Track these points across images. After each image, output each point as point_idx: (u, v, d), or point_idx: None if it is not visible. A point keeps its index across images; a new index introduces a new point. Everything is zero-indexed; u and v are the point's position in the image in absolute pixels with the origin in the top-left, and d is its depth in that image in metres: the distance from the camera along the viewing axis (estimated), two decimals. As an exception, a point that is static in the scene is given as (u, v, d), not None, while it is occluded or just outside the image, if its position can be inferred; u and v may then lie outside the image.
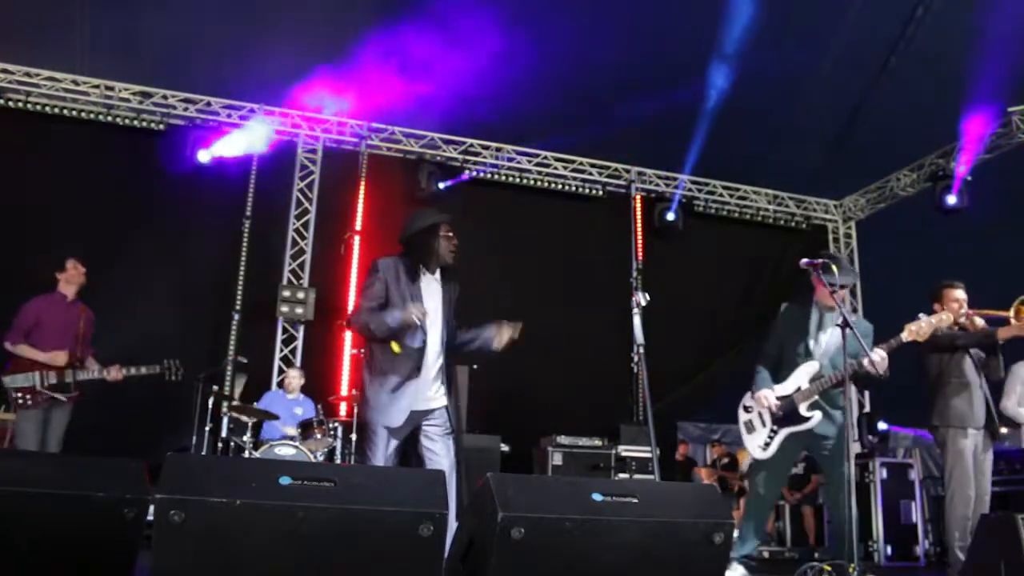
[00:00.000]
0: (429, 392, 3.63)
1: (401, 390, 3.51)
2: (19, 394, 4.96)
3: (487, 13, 6.78)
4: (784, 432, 4.22)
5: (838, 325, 3.87)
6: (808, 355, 4.26)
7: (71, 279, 5.35)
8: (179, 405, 6.74)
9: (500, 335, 3.76)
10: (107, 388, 5.47)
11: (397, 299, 3.58)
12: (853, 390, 9.34)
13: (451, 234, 3.74)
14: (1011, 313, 4.57)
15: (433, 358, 3.65)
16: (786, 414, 4.23)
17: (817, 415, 4.16)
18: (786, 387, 4.27)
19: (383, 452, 3.51)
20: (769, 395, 4.25)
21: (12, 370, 5.07)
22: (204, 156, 7.95)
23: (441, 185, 8.62)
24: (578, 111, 8.15)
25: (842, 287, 4.05)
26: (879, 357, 3.99)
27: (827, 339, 4.26)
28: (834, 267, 3.95)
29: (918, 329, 4.12)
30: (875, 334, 4.44)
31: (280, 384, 7.91)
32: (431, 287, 3.73)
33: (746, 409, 4.46)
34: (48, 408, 5.08)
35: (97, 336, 5.58)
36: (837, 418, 4.22)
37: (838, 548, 3.93)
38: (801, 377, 4.23)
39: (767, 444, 4.26)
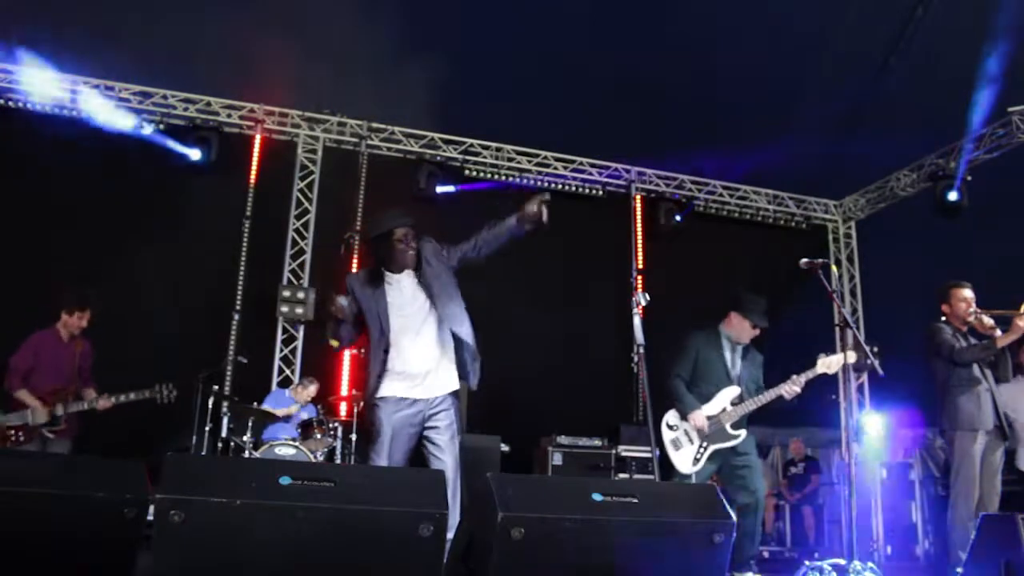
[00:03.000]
0: (421, 380, 3.60)
1: (382, 380, 3.56)
2: (12, 432, 5.13)
3: (487, 13, 6.80)
4: (712, 448, 4.54)
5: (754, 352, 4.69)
6: (729, 379, 4.61)
7: (70, 326, 5.47)
8: (179, 405, 6.73)
9: (525, 213, 3.77)
10: (107, 387, 5.50)
11: (367, 313, 3.66)
12: (853, 391, 9.38)
13: (404, 238, 3.68)
14: (1021, 312, 4.58)
15: (409, 345, 3.60)
16: (713, 432, 4.54)
17: (743, 433, 4.52)
18: (712, 408, 4.59)
19: (385, 447, 3.50)
20: (702, 415, 4.57)
21: (12, 408, 5.27)
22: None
23: (439, 190, 8.61)
24: (578, 111, 8.15)
25: (761, 327, 4.62)
26: (796, 386, 4.45)
27: (740, 366, 4.66)
28: (753, 307, 4.58)
29: (830, 362, 4.47)
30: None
31: (281, 385, 7.92)
32: (398, 286, 3.71)
33: (671, 427, 4.70)
34: (42, 443, 5.21)
35: (98, 343, 5.69)
36: (750, 435, 4.63)
37: (737, 555, 4.14)
38: (724, 399, 4.57)
39: (697, 459, 4.55)
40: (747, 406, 4.51)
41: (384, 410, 3.57)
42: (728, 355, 4.65)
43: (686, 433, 4.61)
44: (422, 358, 3.64)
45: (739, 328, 4.64)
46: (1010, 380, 4.91)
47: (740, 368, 4.64)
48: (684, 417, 4.63)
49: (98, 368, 5.71)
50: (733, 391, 4.56)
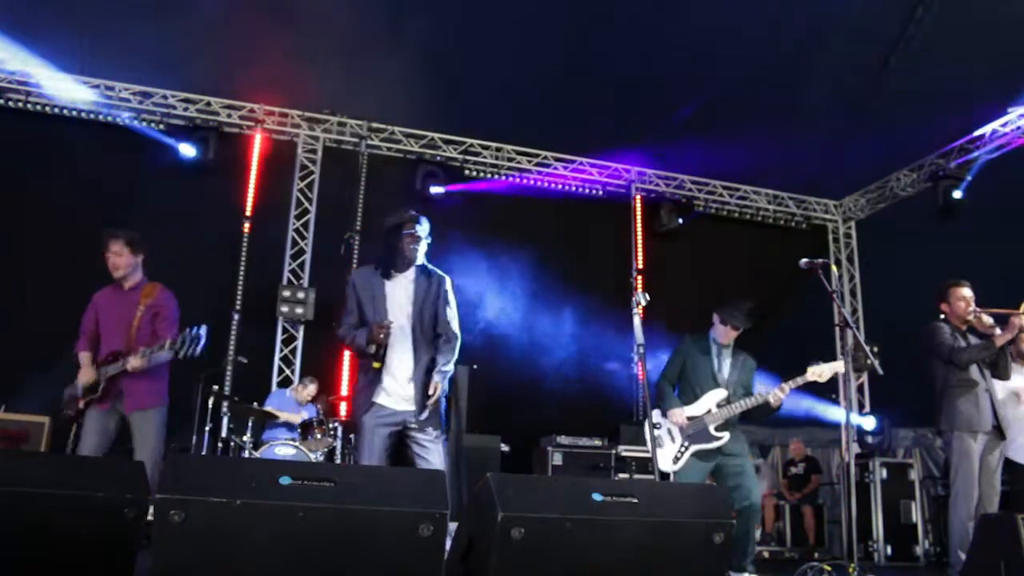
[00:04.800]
0: (404, 392, 3.67)
1: (374, 389, 3.66)
2: (74, 402, 4.48)
3: (486, 13, 6.80)
4: (694, 448, 4.55)
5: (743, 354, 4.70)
6: (715, 382, 4.62)
7: (114, 270, 4.56)
8: (179, 405, 6.74)
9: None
10: None
11: (366, 305, 3.76)
12: (853, 391, 9.39)
13: (413, 232, 3.79)
14: (1020, 311, 4.58)
15: (400, 357, 3.69)
16: (696, 432, 4.57)
17: (726, 435, 4.51)
18: (697, 408, 4.62)
19: (367, 448, 3.61)
20: (681, 413, 4.60)
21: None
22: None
23: (432, 191, 8.61)
24: (578, 111, 8.15)
25: (736, 327, 4.64)
26: (782, 392, 4.43)
27: (728, 369, 4.68)
28: (732, 310, 4.61)
29: (820, 371, 4.46)
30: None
31: (281, 385, 7.92)
32: (399, 287, 3.80)
33: (655, 426, 4.72)
34: (88, 415, 4.44)
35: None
36: (742, 439, 4.63)
37: (734, 558, 4.26)
38: (711, 401, 4.59)
39: (677, 458, 4.58)
40: (732, 409, 4.52)
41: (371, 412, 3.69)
42: (715, 358, 4.68)
43: (668, 432, 4.64)
44: (402, 354, 3.73)
45: (720, 330, 4.68)
46: (1009, 379, 4.91)
47: (728, 371, 4.66)
48: (665, 415, 4.69)
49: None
50: (719, 393, 4.58)
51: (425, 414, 3.66)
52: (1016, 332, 4.65)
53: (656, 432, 4.69)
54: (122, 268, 4.55)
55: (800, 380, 4.45)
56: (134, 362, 4.30)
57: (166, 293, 4.65)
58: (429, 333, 3.77)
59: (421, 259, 3.83)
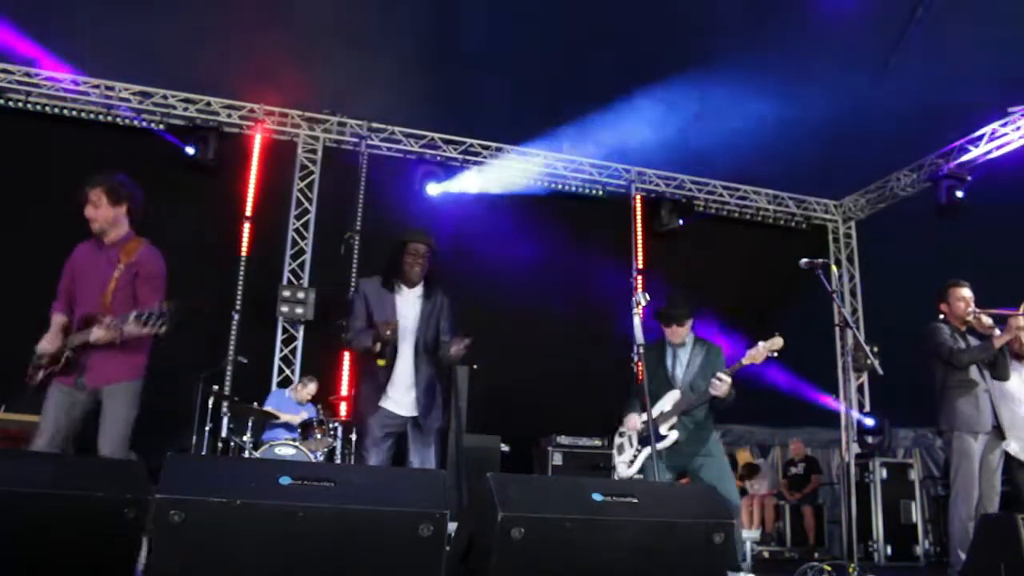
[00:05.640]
0: (405, 399, 3.90)
1: (377, 395, 3.86)
2: (32, 369, 3.88)
3: (486, 13, 6.80)
4: (647, 450, 4.53)
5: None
6: (669, 384, 4.59)
7: (93, 223, 3.96)
8: (179, 405, 6.74)
9: (449, 349, 3.96)
10: None
11: (376, 315, 3.93)
12: (853, 391, 9.39)
13: (415, 254, 3.97)
14: (1020, 311, 4.58)
15: (405, 368, 3.92)
16: (649, 434, 4.54)
17: (673, 434, 4.49)
18: (652, 413, 4.59)
19: (375, 450, 3.81)
20: (635, 418, 4.64)
21: None
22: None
23: (432, 191, 8.62)
24: (579, 111, 8.15)
25: (675, 321, 4.55)
26: (719, 381, 4.34)
27: (684, 368, 4.62)
28: (666, 308, 4.55)
29: (755, 353, 4.36)
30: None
31: (281, 384, 7.92)
32: (408, 302, 4.01)
33: (620, 434, 4.81)
34: (51, 390, 3.80)
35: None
36: (705, 435, 4.53)
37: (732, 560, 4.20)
38: (665, 403, 4.56)
39: (631, 462, 4.63)
40: (680, 406, 4.48)
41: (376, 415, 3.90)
42: (669, 360, 4.62)
43: (628, 438, 4.71)
44: (407, 366, 3.96)
45: (666, 333, 4.64)
46: (1009, 379, 4.91)
47: (685, 370, 4.59)
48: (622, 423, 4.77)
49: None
50: (674, 394, 4.54)
51: (424, 419, 3.90)
52: (1014, 333, 4.66)
53: (620, 440, 4.78)
54: (99, 220, 3.92)
55: (736, 366, 4.39)
56: (98, 333, 3.65)
57: (150, 251, 4.00)
58: (431, 348, 4.01)
59: (420, 277, 4.01)
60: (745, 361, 4.35)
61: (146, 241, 4.04)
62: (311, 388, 7.21)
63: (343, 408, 7.52)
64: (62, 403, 3.72)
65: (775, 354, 4.34)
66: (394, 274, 4.00)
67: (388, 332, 3.76)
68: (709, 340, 4.70)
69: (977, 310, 4.79)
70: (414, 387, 3.92)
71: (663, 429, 4.49)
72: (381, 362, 3.83)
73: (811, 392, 8.99)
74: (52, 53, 7.44)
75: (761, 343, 4.33)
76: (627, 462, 4.63)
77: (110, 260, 3.89)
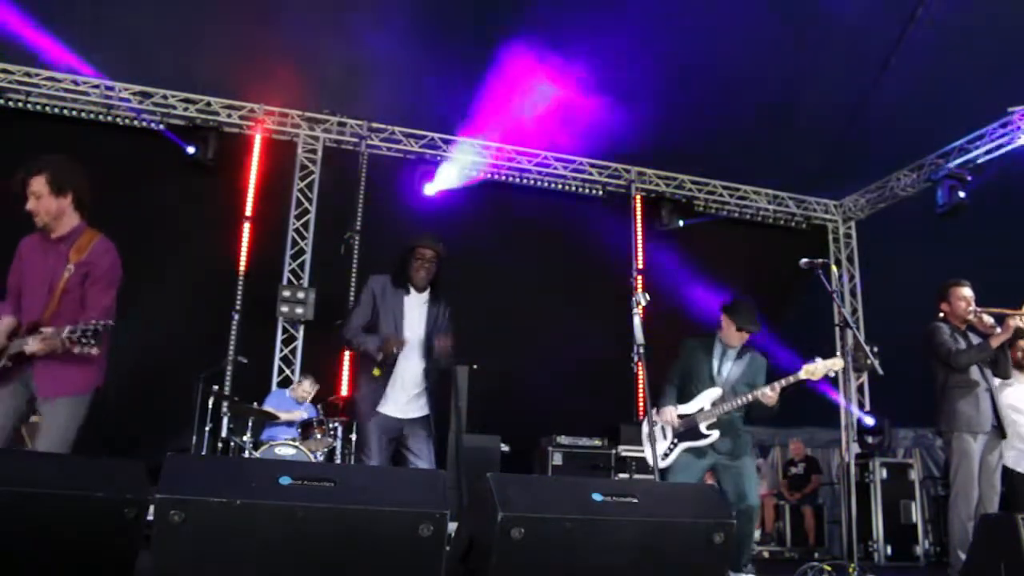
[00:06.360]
0: (406, 402, 3.97)
1: (378, 397, 3.91)
2: None
3: (486, 12, 6.80)
4: (683, 445, 4.55)
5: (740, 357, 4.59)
6: (712, 382, 4.59)
7: (34, 213, 3.49)
8: (179, 405, 6.74)
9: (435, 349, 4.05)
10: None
11: (382, 314, 3.99)
12: (853, 391, 9.39)
13: (422, 259, 4.03)
14: (1021, 311, 4.58)
15: (407, 371, 3.98)
16: (687, 430, 4.57)
17: (715, 433, 4.49)
18: (689, 407, 4.61)
19: (376, 452, 3.87)
20: (672, 411, 4.60)
21: None
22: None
23: (431, 191, 8.62)
24: (578, 111, 8.14)
25: (748, 331, 4.53)
26: (771, 391, 4.36)
27: (730, 369, 4.62)
28: (739, 310, 4.50)
29: (813, 369, 4.34)
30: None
31: (281, 384, 7.92)
32: (415, 305, 4.07)
33: (651, 422, 4.73)
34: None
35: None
36: (740, 439, 4.55)
37: (738, 560, 4.27)
38: (704, 400, 4.56)
39: (667, 454, 4.61)
40: (724, 407, 4.48)
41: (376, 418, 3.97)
42: (716, 359, 4.63)
43: (661, 429, 4.67)
44: (411, 371, 4.03)
45: (727, 332, 4.61)
46: (1011, 377, 4.91)
47: (730, 372, 4.61)
48: (658, 413, 4.71)
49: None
50: (714, 392, 4.55)
51: (423, 420, 3.99)
52: (1011, 333, 4.65)
53: (649, 428, 4.68)
54: (41, 214, 3.44)
55: (793, 379, 4.39)
56: (33, 346, 3.25)
57: (102, 246, 3.51)
58: (431, 352, 4.06)
59: (426, 282, 4.06)
60: (802, 375, 4.36)
61: (99, 236, 3.54)
62: (306, 387, 7.20)
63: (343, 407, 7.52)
64: (9, 407, 3.37)
65: (834, 374, 4.36)
66: (402, 276, 4.06)
67: (394, 349, 3.86)
68: (757, 349, 4.73)
69: (978, 309, 4.79)
70: (415, 389, 3.99)
71: (703, 427, 4.50)
72: (377, 372, 3.90)
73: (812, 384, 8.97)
74: (52, 52, 7.42)
75: (820, 360, 4.33)
76: (661, 454, 4.60)
77: (59, 257, 3.44)
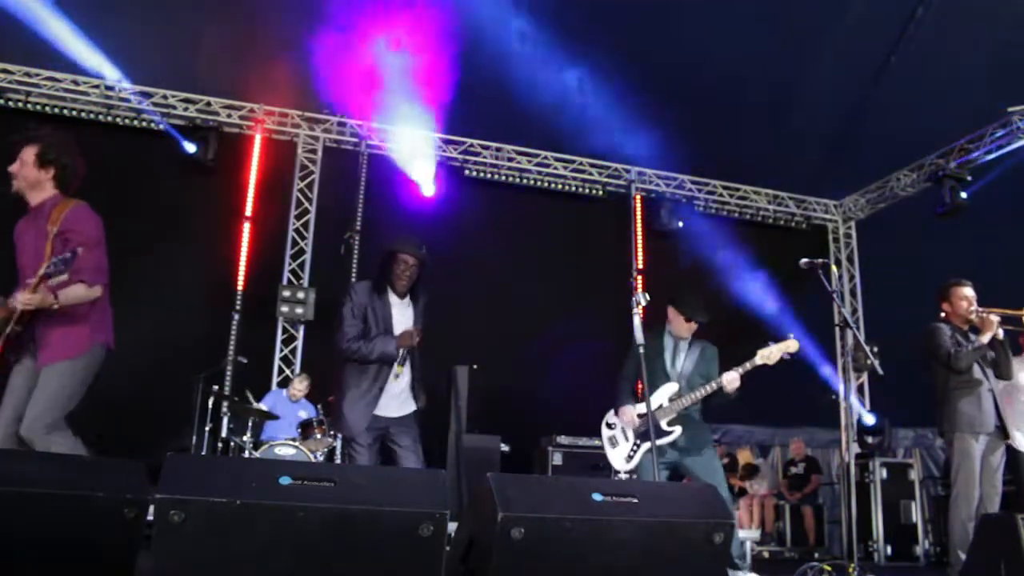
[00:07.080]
0: (395, 402, 4.03)
1: (367, 400, 3.96)
2: None
3: (485, 11, 6.79)
4: (647, 445, 4.43)
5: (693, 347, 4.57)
6: (667, 376, 4.54)
7: (12, 174, 3.61)
8: (179, 405, 6.74)
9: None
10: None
11: (371, 320, 4.03)
12: (853, 391, 9.38)
13: (404, 264, 4.02)
14: (1021, 311, 4.58)
15: (398, 374, 4.02)
16: (647, 429, 4.42)
17: (677, 429, 4.43)
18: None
19: (363, 452, 3.91)
20: (631, 411, 4.55)
21: None
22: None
23: (432, 191, 8.62)
24: (578, 111, 8.14)
25: (698, 321, 4.52)
26: (733, 377, 4.32)
27: (683, 362, 4.57)
28: (686, 301, 4.51)
29: (768, 353, 4.33)
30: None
31: (280, 384, 7.92)
32: (400, 309, 4.10)
33: (609, 426, 4.73)
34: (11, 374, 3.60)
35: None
36: (700, 433, 4.51)
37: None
38: (662, 395, 4.51)
39: (630, 456, 4.53)
40: (683, 402, 4.41)
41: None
42: (668, 353, 4.58)
43: (622, 431, 4.60)
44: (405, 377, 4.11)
45: (676, 323, 4.58)
46: (1012, 378, 4.89)
47: (683, 364, 4.55)
48: (617, 414, 4.64)
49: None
50: (670, 388, 4.49)
51: (410, 418, 4.08)
52: (995, 330, 4.65)
53: (611, 432, 4.68)
54: (18, 179, 3.59)
55: (750, 365, 4.35)
56: (22, 298, 3.30)
57: (77, 211, 3.55)
58: (418, 351, 4.16)
59: (406, 289, 4.08)
60: (758, 361, 4.32)
61: (74, 202, 3.60)
62: (299, 385, 7.20)
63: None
64: (13, 384, 3.49)
65: (789, 356, 4.33)
66: (384, 281, 4.08)
67: (412, 340, 3.92)
68: (705, 340, 4.67)
69: (979, 309, 4.79)
70: (406, 389, 4.08)
71: (664, 424, 4.43)
72: (400, 369, 3.95)
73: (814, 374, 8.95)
74: (52, 52, 7.41)
75: (774, 344, 4.31)
76: (624, 457, 4.54)
77: (39, 231, 3.51)
